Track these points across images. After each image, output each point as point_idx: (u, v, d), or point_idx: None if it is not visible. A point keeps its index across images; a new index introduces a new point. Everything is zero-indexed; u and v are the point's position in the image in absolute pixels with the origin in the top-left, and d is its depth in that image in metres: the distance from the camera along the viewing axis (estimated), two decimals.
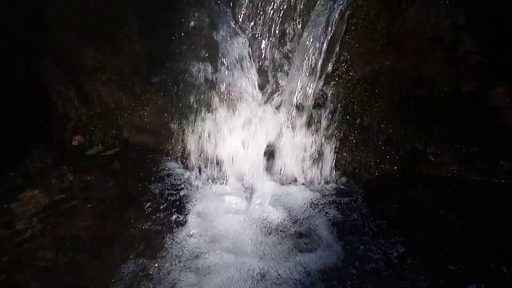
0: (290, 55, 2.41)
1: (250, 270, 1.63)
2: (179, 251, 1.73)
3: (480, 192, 1.98)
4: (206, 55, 2.41)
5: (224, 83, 2.34)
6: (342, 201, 2.02)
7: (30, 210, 1.95)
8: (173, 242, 1.78)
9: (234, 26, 2.44)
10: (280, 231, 1.86)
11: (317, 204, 2.01)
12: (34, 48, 2.56)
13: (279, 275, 1.61)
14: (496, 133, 1.98)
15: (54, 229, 1.83)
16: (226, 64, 2.36)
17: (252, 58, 2.42)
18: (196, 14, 2.45)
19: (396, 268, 1.64)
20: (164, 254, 1.70)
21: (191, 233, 1.84)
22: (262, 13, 2.40)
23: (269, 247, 1.76)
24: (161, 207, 2.00)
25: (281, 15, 2.37)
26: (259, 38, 2.43)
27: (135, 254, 1.70)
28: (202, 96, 2.34)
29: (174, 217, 1.94)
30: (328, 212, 1.95)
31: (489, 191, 1.97)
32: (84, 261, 1.67)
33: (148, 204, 2.01)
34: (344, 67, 2.24)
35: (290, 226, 1.88)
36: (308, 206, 2.00)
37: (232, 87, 2.34)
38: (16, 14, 2.49)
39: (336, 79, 2.25)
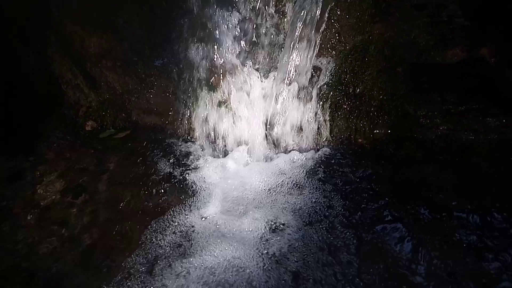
0: (284, 29, 2.50)
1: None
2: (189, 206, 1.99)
3: (468, 149, 2.10)
4: (204, 35, 2.51)
5: (222, 61, 2.45)
6: (336, 164, 2.18)
7: (52, 192, 2.12)
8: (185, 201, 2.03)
9: (228, 4, 2.52)
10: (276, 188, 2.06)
11: (313, 167, 2.17)
12: (41, 40, 2.69)
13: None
14: (483, 92, 2.08)
15: (76, 208, 2.01)
16: (223, 43, 2.46)
17: (247, 34, 2.51)
18: None
19: (385, 214, 1.85)
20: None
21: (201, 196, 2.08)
22: None
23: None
24: (172, 180, 2.18)
25: None
26: (253, 14, 2.51)
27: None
28: (202, 75, 2.45)
29: (184, 185, 2.14)
30: (323, 174, 2.12)
31: (476, 147, 2.10)
32: (108, 231, 1.87)
33: (160, 176, 2.21)
34: (337, 38, 2.33)
35: (285, 186, 2.07)
36: (305, 169, 2.16)
37: (230, 65, 2.45)
38: (22, 8, 2.62)
39: (329, 50, 2.35)
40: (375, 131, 2.28)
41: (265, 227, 1.82)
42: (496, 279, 1.53)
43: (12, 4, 2.63)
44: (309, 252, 1.69)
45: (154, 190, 2.11)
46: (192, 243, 1.77)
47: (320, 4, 2.21)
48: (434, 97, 2.14)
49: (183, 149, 2.41)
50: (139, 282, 1.60)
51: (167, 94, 2.58)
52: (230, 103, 2.42)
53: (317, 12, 2.23)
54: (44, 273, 1.65)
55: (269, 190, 2.05)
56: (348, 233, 1.77)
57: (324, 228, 1.80)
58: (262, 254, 1.69)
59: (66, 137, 2.60)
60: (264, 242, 1.74)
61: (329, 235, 1.76)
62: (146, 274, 1.64)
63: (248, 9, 2.53)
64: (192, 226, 1.86)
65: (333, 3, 2.22)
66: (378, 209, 1.89)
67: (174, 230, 1.84)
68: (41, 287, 1.60)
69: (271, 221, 1.85)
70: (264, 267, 1.63)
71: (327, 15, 2.26)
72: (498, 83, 2.03)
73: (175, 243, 1.77)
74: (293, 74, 2.34)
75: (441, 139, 2.16)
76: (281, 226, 1.83)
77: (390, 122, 2.24)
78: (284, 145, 2.35)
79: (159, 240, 1.79)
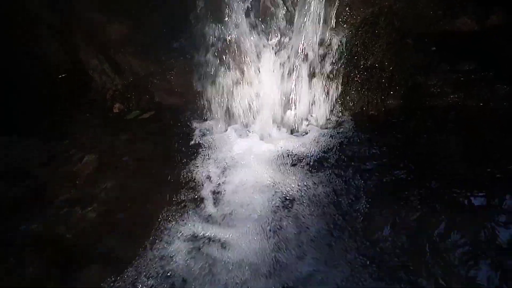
0: (297, 4, 2.54)
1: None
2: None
3: (478, 117, 2.15)
4: (218, 15, 2.59)
5: (237, 39, 2.54)
6: (350, 136, 2.29)
7: (85, 170, 2.32)
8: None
9: None
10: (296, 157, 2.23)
11: (327, 139, 2.30)
12: (65, 29, 2.86)
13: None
14: (493, 60, 2.10)
15: (108, 184, 2.21)
16: (237, 21, 2.54)
17: (261, 11, 2.57)
18: None
19: (394, 182, 1.98)
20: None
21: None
22: None
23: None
24: (195, 155, 2.37)
25: None
26: None
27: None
28: (218, 55, 2.56)
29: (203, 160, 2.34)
30: (336, 145, 2.25)
31: (486, 115, 2.14)
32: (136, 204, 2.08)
33: (183, 151, 2.41)
34: (348, 12, 2.37)
35: (303, 154, 2.23)
36: (318, 141, 2.29)
37: (244, 43, 2.53)
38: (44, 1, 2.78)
39: (341, 24, 2.39)
40: (386, 102, 2.35)
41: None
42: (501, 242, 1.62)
43: None
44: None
45: (179, 164, 2.30)
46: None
47: None
48: (444, 66, 2.18)
49: (202, 127, 2.57)
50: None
51: (186, 75, 2.70)
52: (245, 80, 2.53)
53: None
54: (81, 242, 1.87)
55: (283, 163, 2.19)
56: (357, 197, 1.91)
57: (333, 192, 1.96)
58: None
59: (95, 120, 2.80)
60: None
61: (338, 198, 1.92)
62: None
63: None
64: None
65: None
66: (388, 177, 2.00)
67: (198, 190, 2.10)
68: (79, 255, 1.82)
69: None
70: None
71: None
72: (509, 50, 2.04)
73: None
74: (306, 49, 2.41)
75: (452, 108, 2.21)
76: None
77: (401, 93, 2.30)
78: (298, 119, 2.46)
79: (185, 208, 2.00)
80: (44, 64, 2.87)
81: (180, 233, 1.86)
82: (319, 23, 2.34)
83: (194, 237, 1.84)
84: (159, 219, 1.94)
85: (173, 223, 1.92)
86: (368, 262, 1.62)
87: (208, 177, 2.19)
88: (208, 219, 1.93)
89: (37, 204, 2.07)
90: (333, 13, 2.36)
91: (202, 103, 2.68)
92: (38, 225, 1.96)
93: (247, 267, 1.68)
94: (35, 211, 2.03)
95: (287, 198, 1.98)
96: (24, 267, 1.76)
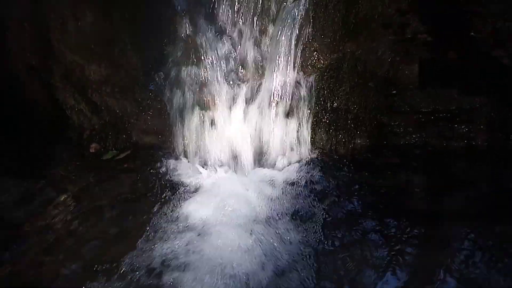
0: (267, 50, 2.67)
1: None
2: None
3: (440, 154, 2.26)
4: (194, 59, 2.71)
5: (211, 82, 2.65)
6: (319, 174, 2.36)
7: (60, 212, 2.31)
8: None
9: (215, 29, 2.72)
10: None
11: (297, 178, 2.36)
12: (45, 69, 2.93)
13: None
14: (450, 100, 2.23)
15: (81, 227, 2.21)
16: (210, 65, 2.66)
17: (233, 57, 2.70)
18: (180, 22, 2.74)
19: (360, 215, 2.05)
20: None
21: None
22: (239, 15, 2.67)
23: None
24: (169, 195, 2.41)
25: (255, 16, 2.62)
26: (237, 38, 2.70)
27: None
28: (193, 97, 2.66)
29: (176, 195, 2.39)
30: (306, 184, 2.32)
31: (448, 152, 2.25)
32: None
33: (159, 191, 2.44)
34: (316, 57, 2.51)
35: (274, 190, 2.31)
36: (288, 180, 2.36)
37: (218, 86, 2.64)
38: (27, 43, 2.86)
39: (309, 68, 2.53)
40: (353, 142, 2.44)
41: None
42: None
43: (17, 38, 2.88)
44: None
45: (154, 206, 2.31)
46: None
47: (297, 26, 2.40)
48: (404, 107, 2.30)
49: (178, 166, 2.61)
50: None
51: (163, 116, 2.78)
52: (219, 121, 2.61)
53: (295, 33, 2.42)
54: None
55: (254, 198, 2.24)
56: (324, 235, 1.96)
57: (304, 229, 1.99)
58: None
59: (72, 160, 2.81)
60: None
61: (308, 237, 1.95)
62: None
63: (233, 33, 2.72)
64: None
65: (309, 25, 2.39)
66: (353, 215, 2.06)
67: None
68: None
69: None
70: None
71: (304, 36, 2.44)
72: (464, 91, 2.18)
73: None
74: (277, 92, 2.52)
75: (415, 146, 2.32)
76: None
77: (367, 133, 2.41)
78: (270, 159, 2.53)
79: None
80: (22, 101, 2.91)
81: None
82: (289, 67, 2.47)
83: None
84: (132, 265, 1.93)
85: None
86: None
87: (181, 217, 2.22)
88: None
89: (8, 248, 2.05)
90: (302, 58, 2.49)
91: (177, 142, 2.74)
92: (8, 271, 1.93)
93: None
94: (6, 255, 2.01)
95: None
96: None
